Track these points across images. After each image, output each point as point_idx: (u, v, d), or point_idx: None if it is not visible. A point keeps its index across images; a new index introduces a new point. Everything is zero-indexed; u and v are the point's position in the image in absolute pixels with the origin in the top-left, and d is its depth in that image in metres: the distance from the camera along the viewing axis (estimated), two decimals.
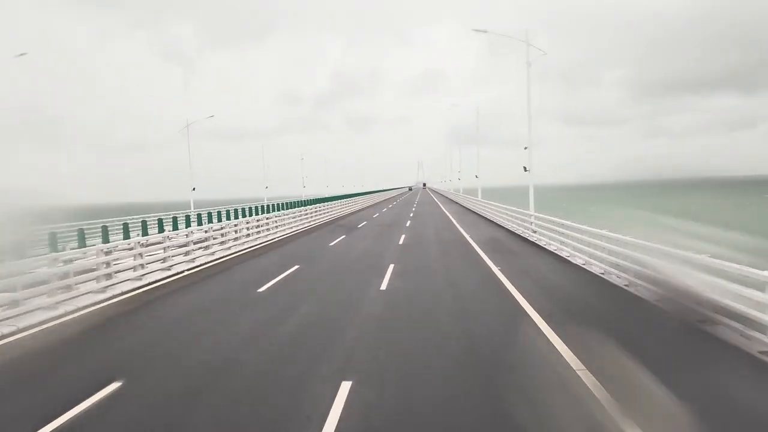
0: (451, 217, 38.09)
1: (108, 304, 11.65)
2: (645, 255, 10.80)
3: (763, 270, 7.17)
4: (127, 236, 17.81)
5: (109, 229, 19.80)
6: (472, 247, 20.08)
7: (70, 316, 10.54)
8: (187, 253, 17.37)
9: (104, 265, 12.97)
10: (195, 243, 18.34)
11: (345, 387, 6.24)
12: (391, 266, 15.46)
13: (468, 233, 25.20)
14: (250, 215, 29.10)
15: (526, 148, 23.86)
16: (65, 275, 11.43)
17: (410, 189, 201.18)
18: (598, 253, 13.73)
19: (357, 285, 13.03)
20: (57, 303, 10.85)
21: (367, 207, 62.31)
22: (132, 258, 14.67)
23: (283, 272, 14.95)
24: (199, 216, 25.57)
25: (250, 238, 24.00)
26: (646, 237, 11.05)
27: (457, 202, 64.40)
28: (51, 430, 5.38)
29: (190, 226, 22.73)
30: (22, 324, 9.62)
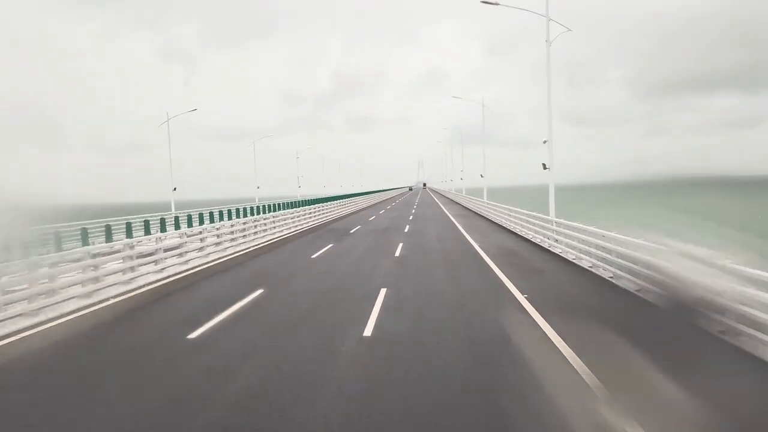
0: (454, 221, 34.38)
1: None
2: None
3: None
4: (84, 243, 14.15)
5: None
6: (484, 260, 16.42)
7: None
8: (124, 272, 13.68)
9: None
10: (140, 257, 14.62)
11: None
12: (383, 292, 11.78)
13: (476, 242, 21.52)
14: (229, 218, 25.54)
15: (545, 141, 20.20)
16: None
17: (410, 189, 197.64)
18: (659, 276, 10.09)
19: (332, 326, 9.29)
20: None
21: (364, 208, 58.60)
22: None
23: (237, 302, 11.11)
24: (162, 221, 21.79)
25: (220, 247, 20.33)
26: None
27: (459, 203, 60.69)
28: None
29: (133, 235, 19.07)
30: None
